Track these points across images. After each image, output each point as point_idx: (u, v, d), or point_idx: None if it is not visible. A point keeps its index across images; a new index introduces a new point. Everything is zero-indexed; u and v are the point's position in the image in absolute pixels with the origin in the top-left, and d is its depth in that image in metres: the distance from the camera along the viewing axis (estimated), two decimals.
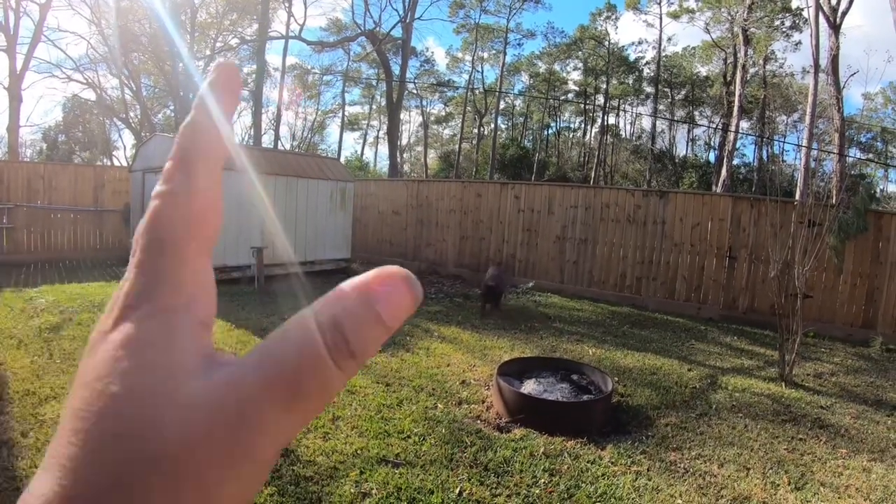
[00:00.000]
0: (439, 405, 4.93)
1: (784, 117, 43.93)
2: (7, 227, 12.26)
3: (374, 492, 3.46)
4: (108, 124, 39.93)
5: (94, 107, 35.31)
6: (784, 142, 42.01)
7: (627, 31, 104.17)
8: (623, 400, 5.35)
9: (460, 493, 3.52)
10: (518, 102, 53.47)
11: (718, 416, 5.11)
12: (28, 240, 12.73)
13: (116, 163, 38.73)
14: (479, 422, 4.65)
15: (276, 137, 35.78)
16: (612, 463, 4.03)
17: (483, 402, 5.08)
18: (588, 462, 4.02)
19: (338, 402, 4.82)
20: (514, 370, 5.35)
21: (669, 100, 46.67)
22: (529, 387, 4.98)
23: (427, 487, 3.55)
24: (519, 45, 50.71)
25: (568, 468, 3.90)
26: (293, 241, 11.61)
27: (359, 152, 57.12)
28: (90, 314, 7.52)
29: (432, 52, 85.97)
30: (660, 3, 41.81)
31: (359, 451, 3.94)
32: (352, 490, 3.46)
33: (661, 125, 46.82)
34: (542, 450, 4.13)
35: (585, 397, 4.88)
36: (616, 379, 5.70)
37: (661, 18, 42.17)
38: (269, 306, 8.70)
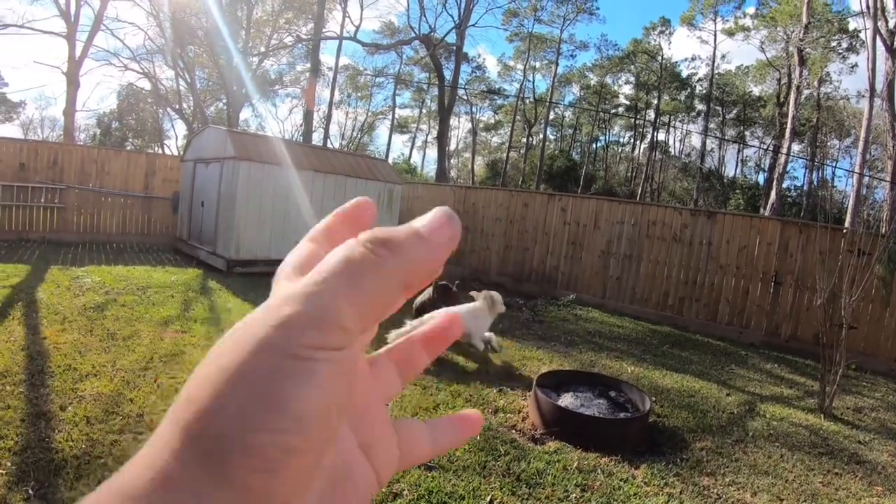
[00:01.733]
0: None
1: (836, 142, 43.08)
2: (58, 206, 12.63)
3: (405, 493, 3.49)
4: (161, 114, 40.91)
5: (148, 96, 36.20)
6: (836, 167, 41.18)
7: (681, 47, 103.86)
8: (659, 420, 5.31)
9: (491, 502, 3.53)
10: (568, 114, 53.34)
11: (755, 443, 5.04)
12: (77, 220, 13.10)
13: (168, 151, 39.58)
14: (514, 431, 4.66)
15: (326, 136, 36.21)
16: (644, 483, 4.01)
17: (519, 412, 5.08)
18: (621, 480, 3.99)
19: None
20: (552, 382, 5.34)
21: (721, 118, 46.03)
22: (566, 400, 4.98)
23: (458, 493, 3.57)
24: (571, 56, 50.48)
25: (600, 485, 3.89)
26: None
27: (406, 155, 57.63)
28: (134, 296, 7.72)
29: (484, 59, 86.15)
30: (715, 20, 41.47)
31: None
32: (383, 490, 3.49)
33: (711, 144, 46.24)
34: (575, 464, 4.12)
35: (622, 415, 4.86)
36: (653, 398, 5.64)
37: (715, 35, 41.79)
38: None
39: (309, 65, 25.79)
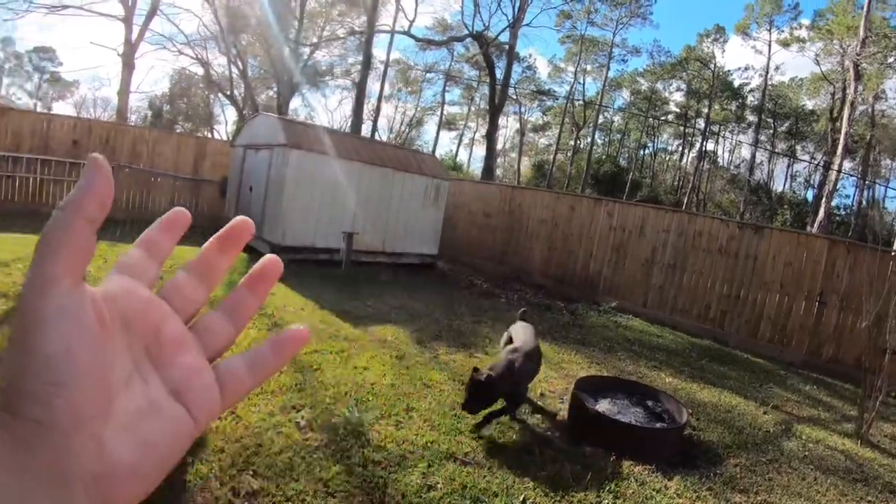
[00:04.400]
0: None
1: (889, 161, 41.97)
2: None
3: (439, 485, 3.55)
4: (213, 99, 41.51)
5: (200, 81, 36.77)
6: (888, 187, 40.18)
7: (734, 56, 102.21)
8: (695, 433, 5.29)
9: (524, 501, 3.57)
10: (617, 118, 52.84)
11: (789, 464, 4.99)
12: (127, 197, 13.49)
13: (217, 136, 40.18)
14: (549, 433, 4.69)
15: (374, 129, 36.43)
16: (677, 495, 4.01)
17: (556, 414, 5.12)
18: (653, 490, 4.01)
19: (413, 394, 4.94)
20: (590, 387, 5.34)
21: (772, 131, 45.15)
22: (604, 406, 5.00)
23: (492, 490, 3.62)
24: (623, 60, 49.85)
25: (633, 493, 3.90)
26: (383, 231, 11.86)
27: (453, 152, 57.72)
28: (174, 274, 7.87)
29: (534, 60, 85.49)
30: (770, 30, 40.57)
31: (429, 444, 4.04)
32: (418, 481, 3.56)
33: (761, 157, 45.41)
34: (609, 470, 4.14)
35: (659, 425, 4.86)
36: (690, 411, 5.62)
37: (769, 46, 40.88)
38: (353, 291, 8.95)
39: (360, 57, 25.92)
